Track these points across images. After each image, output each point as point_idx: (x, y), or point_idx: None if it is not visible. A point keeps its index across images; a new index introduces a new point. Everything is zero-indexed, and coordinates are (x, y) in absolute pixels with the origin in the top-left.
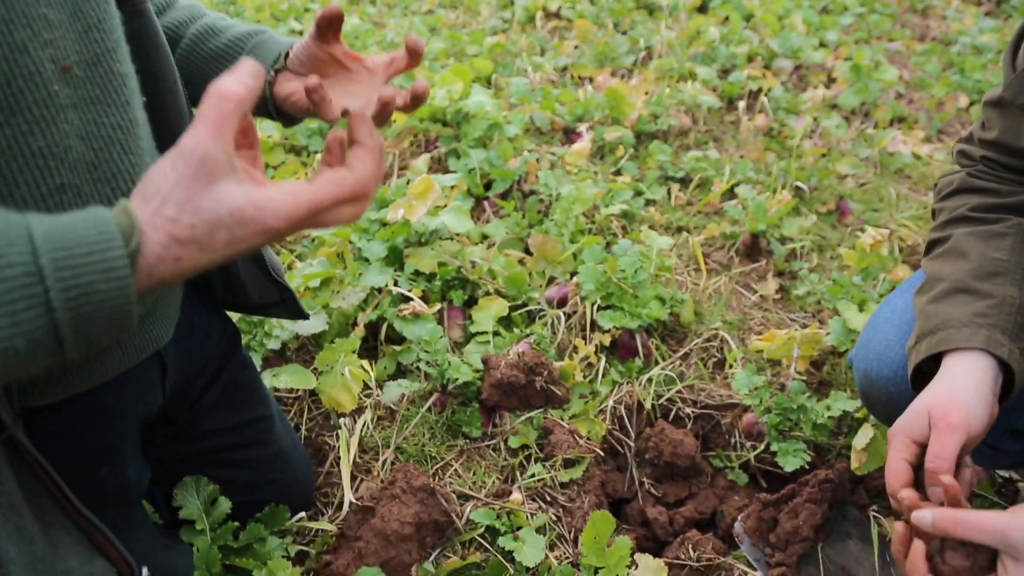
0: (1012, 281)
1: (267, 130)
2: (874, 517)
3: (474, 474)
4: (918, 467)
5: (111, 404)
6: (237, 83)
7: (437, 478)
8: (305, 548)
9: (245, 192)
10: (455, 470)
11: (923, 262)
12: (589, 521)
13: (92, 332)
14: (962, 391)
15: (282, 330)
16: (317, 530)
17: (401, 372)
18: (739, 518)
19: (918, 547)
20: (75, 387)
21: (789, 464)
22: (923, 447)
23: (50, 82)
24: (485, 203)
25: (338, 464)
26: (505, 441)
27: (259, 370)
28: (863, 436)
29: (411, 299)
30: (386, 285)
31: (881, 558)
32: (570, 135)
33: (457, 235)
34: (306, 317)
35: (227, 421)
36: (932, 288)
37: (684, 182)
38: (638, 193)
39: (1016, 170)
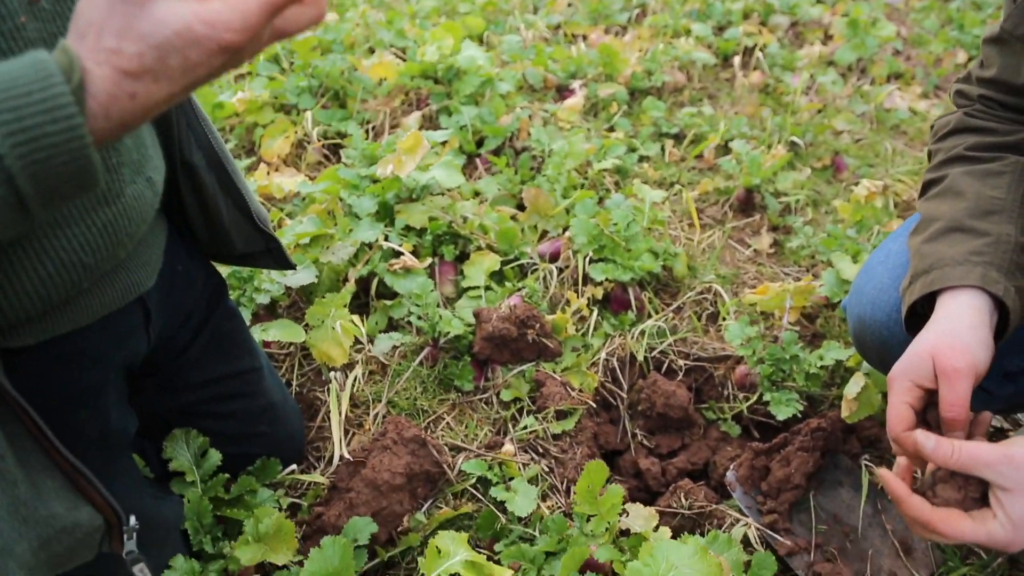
0: (1008, 219)
1: (256, 90)
2: (866, 466)
3: (466, 427)
4: (920, 410)
5: (91, 348)
6: None
7: (429, 431)
8: (297, 500)
9: (189, 9)
10: (447, 423)
11: (918, 203)
12: (584, 470)
13: (52, 184)
14: (963, 332)
15: (272, 284)
16: (309, 483)
17: (393, 327)
18: (731, 467)
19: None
20: (54, 329)
21: (781, 413)
22: (927, 391)
23: (16, 14)
24: (477, 160)
25: (330, 419)
26: (497, 394)
27: (249, 325)
28: (854, 385)
29: (402, 254)
30: (376, 240)
31: (872, 505)
32: (563, 92)
33: (448, 190)
34: (293, 267)
35: (215, 372)
36: (927, 228)
37: (678, 138)
38: (632, 149)
39: (1014, 108)
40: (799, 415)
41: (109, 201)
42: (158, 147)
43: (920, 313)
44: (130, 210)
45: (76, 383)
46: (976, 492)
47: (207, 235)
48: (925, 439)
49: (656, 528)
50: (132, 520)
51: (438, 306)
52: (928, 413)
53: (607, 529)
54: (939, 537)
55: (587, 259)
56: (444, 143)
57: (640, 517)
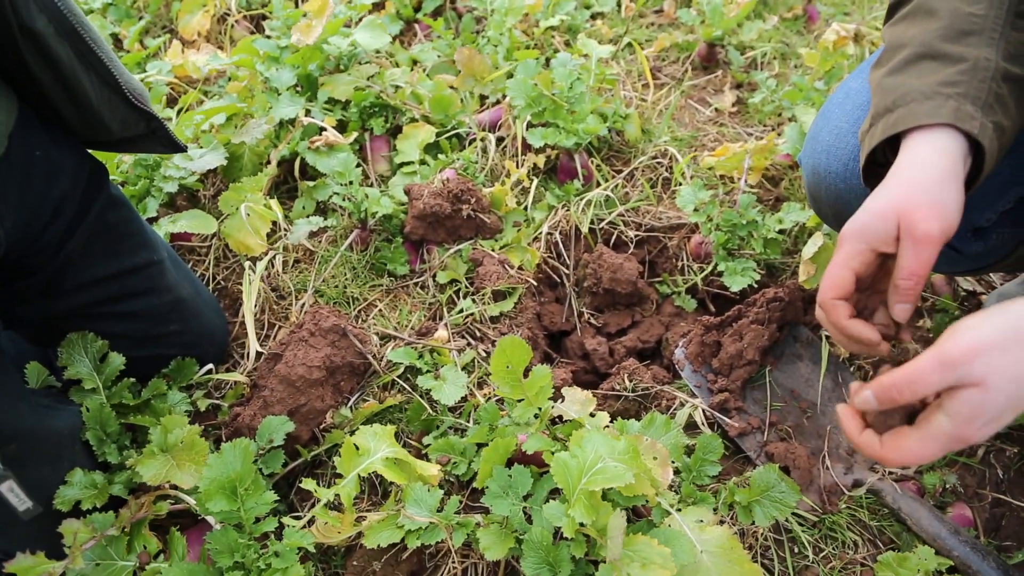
0: (988, 41)
1: None
2: (827, 337)
3: (399, 314)
4: (867, 279)
5: None
6: None
7: (360, 320)
8: (218, 402)
9: None
10: (379, 310)
11: (884, 29)
12: (496, 347)
13: None
14: (934, 186)
15: (177, 170)
16: (231, 383)
17: (320, 211)
18: (680, 344)
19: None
20: None
21: (736, 284)
22: (883, 256)
23: None
24: (416, 26)
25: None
26: (433, 277)
27: (158, 217)
28: (812, 245)
29: (325, 129)
30: (297, 116)
31: (831, 378)
32: None
33: (376, 57)
34: (183, 149)
35: (105, 270)
36: (892, 57)
37: None
38: (585, 6)
39: None
40: (755, 285)
41: None
42: None
43: (881, 163)
44: None
45: None
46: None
47: (75, 117)
48: (863, 399)
49: (593, 414)
50: None
51: (367, 183)
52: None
53: (537, 416)
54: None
55: (526, 124)
56: (379, 7)
57: (576, 402)
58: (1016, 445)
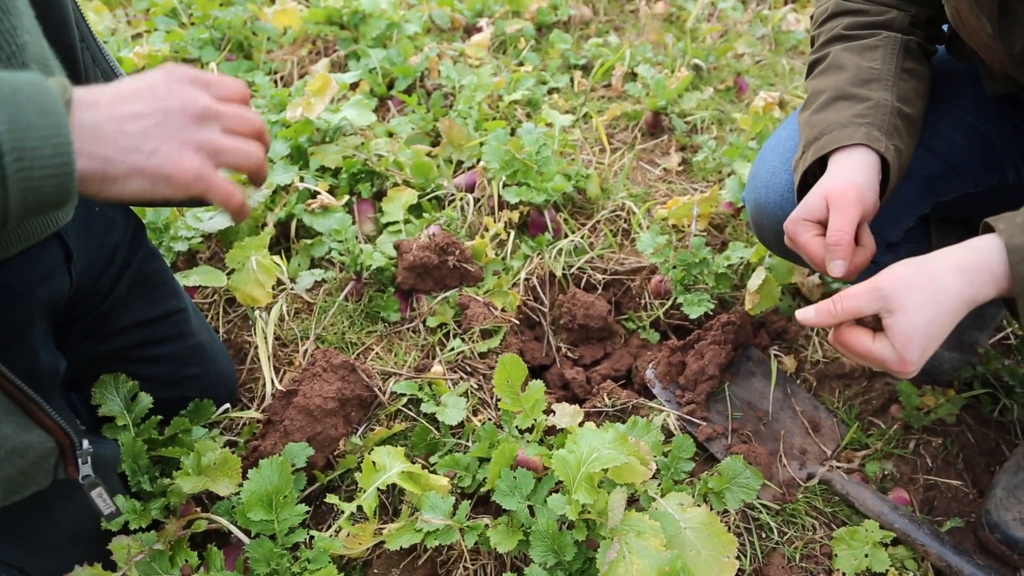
0: (884, 87)
1: (155, 44)
2: (775, 356)
3: (395, 355)
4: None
5: (15, 283)
6: None
7: (359, 362)
8: (234, 439)
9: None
10: (376, 353)
11: (805, 83)
12: (498, 363)
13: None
14: (851, 175)
15: (189, 230)
16: (244, 421)
17: (315, 267)
18: (650, 365)
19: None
20: None
21: (694, 312)
22: (822, 226)
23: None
24: (389, 103)
25: (259, 358)
26: (424, 322)
27: None
28: (756, 278)
29: (318, 193)
30: (292, 182)
31: (781, 391)
32: (471, 32)
33: (361, 129)
34: (207, 203)
35: (141, 315)
36: (815, 101)
37: (586, 69)
38: (541, 82)
39: None
40: (710, 313)
41: None
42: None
43: (812, 184)
44: None
45: (5, 319)
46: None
47: None
48: (804, 314)
49: (581, 424)
50: (85, 444)
51: (358, 240)
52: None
53: (533, 427)
54: (848, 351)
55: (501, 184)
56: (354, 86)
57: (566, 415)
58: (940, 437)
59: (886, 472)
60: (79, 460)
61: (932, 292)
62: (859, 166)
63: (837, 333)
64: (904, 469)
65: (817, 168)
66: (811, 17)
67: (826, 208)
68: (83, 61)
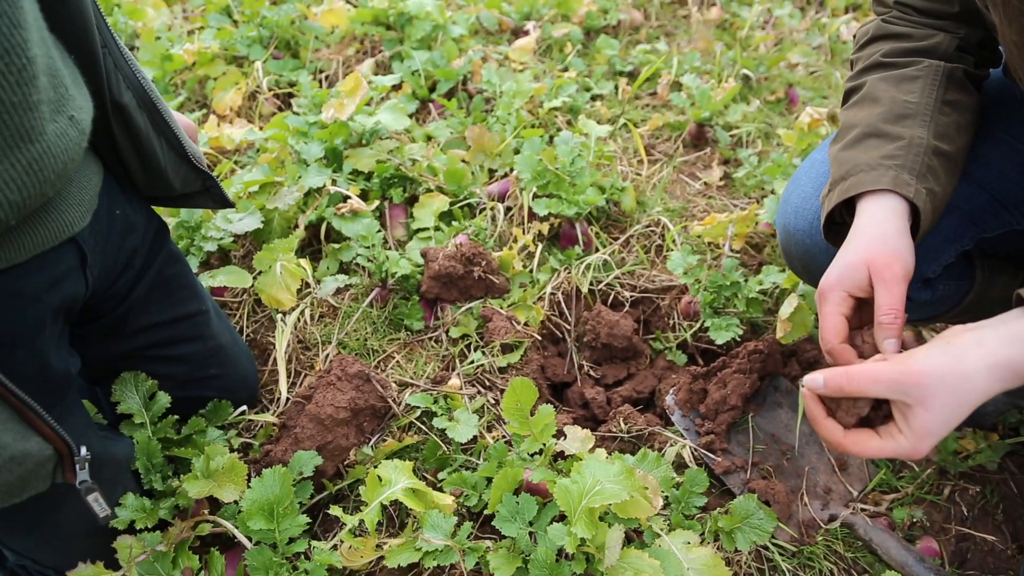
0: (920, 123)
1: (206, 41)
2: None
3: (415, 364)
4: (851, 320)
5: (25, 288)
6: None
7: (379, 370)
8: (249, 440)
9: None
10: (397, 362)
11: (840, 112)
12: (508, 387)
13: None
14: (892, 238)
15: (218, 231)
16: (261, 423)
17: (343, 271)
18: (671, 391)
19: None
20: None
21: (720, 337)
22: (860, 300)
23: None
24: (430, 105)
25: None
26: (446, 332)
27: (197, 273)
28: (788, 306)
29: (349, 197)
30: (324, 185)
31: (808, 425)
32: (518, 35)
33: (396, 133)
34: (232, 205)
35: (161, 316)
36: (845, 135)
37: (632, 76)
38: (585, 88)
39: (928, 13)
40: (738, 339)
41: (32, 139)
42: (82, 86)
43: (838, 221)
44: (54, 148)
45: (13, 323)
46: (885, 408)
47: (144, 177)
48: (812, 381)
49: (592, 450)
50: (83, 451)
51: (387, 247)
52: (858, 333)
53: (542, 451)
54: (852, 453)
55: (532, 195)
56: (396, 88)
57: (576, 439)
58: (978, 484)
59: (915, 519)
60: (77, 466)
61: (960, 392)
62: (889, 217)
63: (843, 443)
64: (936, 517)
65: (844, 205)
66: (853, 37)
67: (867, 278)
68: (105, 66)
